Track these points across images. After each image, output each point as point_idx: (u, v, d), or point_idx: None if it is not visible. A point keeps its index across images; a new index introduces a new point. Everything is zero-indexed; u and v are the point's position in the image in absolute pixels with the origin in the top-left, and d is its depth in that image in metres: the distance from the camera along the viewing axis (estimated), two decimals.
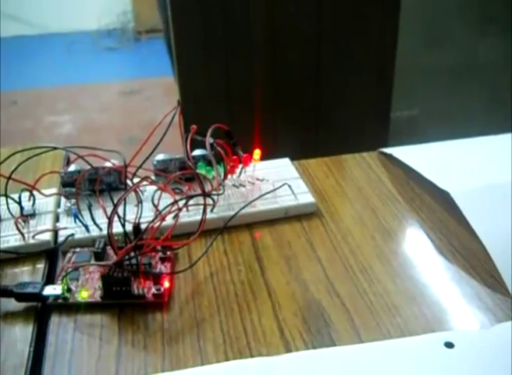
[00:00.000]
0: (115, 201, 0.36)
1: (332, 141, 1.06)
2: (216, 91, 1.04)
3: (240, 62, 1.02)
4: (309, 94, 1.06)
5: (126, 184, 0.44)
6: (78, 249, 0.41)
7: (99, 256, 0.39)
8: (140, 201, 0.41)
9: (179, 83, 1.02)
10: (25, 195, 0.44)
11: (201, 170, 0.45)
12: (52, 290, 0.36)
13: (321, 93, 1.07)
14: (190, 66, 1.01)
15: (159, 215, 0.38)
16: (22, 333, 0.35)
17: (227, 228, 0.42)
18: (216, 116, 1.05)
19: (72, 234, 0.41)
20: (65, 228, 0.42)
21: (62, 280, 0.37)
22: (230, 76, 1.03)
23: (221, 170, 0.45)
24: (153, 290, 0.37)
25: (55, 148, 0.44)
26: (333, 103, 1.08)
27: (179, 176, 0.44)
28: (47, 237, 0.41)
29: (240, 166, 0.46)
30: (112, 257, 0.38)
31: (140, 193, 0.42)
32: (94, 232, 0.42)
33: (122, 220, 0.37)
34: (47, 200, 0.45)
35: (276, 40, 1.02)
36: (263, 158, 0.47)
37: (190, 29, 0.99)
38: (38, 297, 0.36)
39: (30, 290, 0.36)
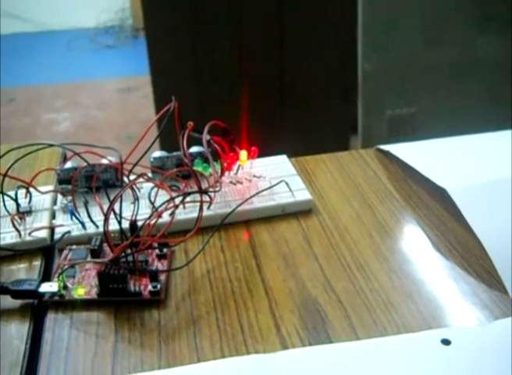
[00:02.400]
0: (112, 199, 0.36)
1: (296, 113, 1.10)
2: (185, 66, 1.08)
3: (206, 40, 1.07)
4: (273, 67, 1.11)
5: (122, 181, 0.44)
6: (74, 246, 0.40)
7: (95, 253, 0.39)
8: (136, 199, 0.41)
9: (150, 62, 1.07)
10: (21, 192, 0.44)
11: (198, 167, 0.45)
12: (48, 287, 0.36)
13: (285, 66, 1.11)
14: (159, 46, 1.08)
15: (155, 212, 0.38)
16: (18, 331, 0.35)
17: (224, 225, 0.42)
18: (186, 90, 1.08)
19: (69, 231, 0.41)
20: (61, 225, 0.42)
21: (59, 277, 0.37)
22: (197, 55, 1.08)
23: (218, 167, 0.45)
24: (149, 287, 0.36)
25: (51, 145, 0.44)
26: (297, 76, 1.12)
27: (176, 173, 0.44)
28: (43, 234, 0.41)
29: (237, 163, 0.46)
30: (109, 254, 0.37)
31: (136, 190, 0.42)
32: (91, 229, 0.41)
33: (118, 217, 0.37)
34: (43, 197, 0.45)
35: (241, 17, 1.06)
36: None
37: (157, 8, 1.04)
38: (34, 294, 0.36)
39: (26, 287, 0.36)
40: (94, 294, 0.36)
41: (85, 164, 0.44)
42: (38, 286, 0.36)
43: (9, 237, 0.41)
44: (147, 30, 1.09)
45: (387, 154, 0.51)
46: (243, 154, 0.46)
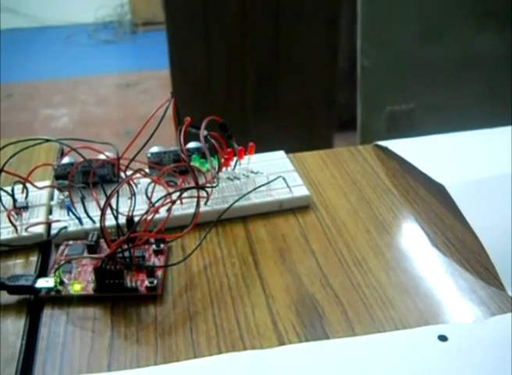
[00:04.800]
0: (108, 194, 0.36)
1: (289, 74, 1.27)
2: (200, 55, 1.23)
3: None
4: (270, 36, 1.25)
5: (119, 177, 0.44)
6: (71, 242, 0.40)
7: (92, 249, 0.39)
8: (133, 194, 0.40)
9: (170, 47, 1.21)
10: (18, 188, 0.44)
11: (195, 163, 0.45)
12: (45, 282, 0.36)
13: (280, 33, 1.26)
14: (180, 37, 1.22)
15: (152, 207, 0.38)
16: (14, 326, 0.34)
17: (221, 221, 0.42)
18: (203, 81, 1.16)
19: (65, 227, 0.41)
20: (58, 221, 0.42)
21: (55, 272, 0.37)
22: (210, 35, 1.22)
23: (215, 163, 0.44)
24: (146, 283, 0.36)
25: (47, 140, 0.44)
26: (290, 45, 1.27)
27: (173, 168, 0.44)
28: (40, 229, 0.41)
29: (235, 158, 0.46)
30: (105, 250, 0.37)
31: (133, 185, 0.42)
32: (87, 225, 0.41)
33: (115, 213, 0.36)
34: (40, 192, 0.45)
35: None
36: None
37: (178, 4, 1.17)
38: (31, 289, 0.36)
39: (22, 282, 0.36)
40: (90, 289, 0.36)
41: (82, 159, 0.43)
42: (35, 281, 0.36)
43: (6, 233, 0.41)
44: (167, 23, 1.20)
45: (385, 150, 0.51)
46: (251, 146, 0.46)
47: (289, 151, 0.50)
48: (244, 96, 1.26)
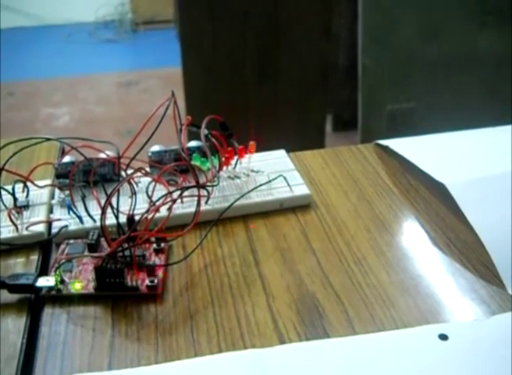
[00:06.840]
0: (109, 193, 0.36)
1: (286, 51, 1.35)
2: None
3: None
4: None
5: (119, 176, 0.44)
6: (72, 241, 0.40)
7: (93, 248, 0.39)
8: (134, 193, 0.40)
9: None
10: (19, 187, 0.44)
11: (196, 162, 0.45)
12: (45, 281, 0.36)
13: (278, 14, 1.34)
14: (192, 32, 1.31)
15: (153, 206, 0.38)
16: (14, 325, 0.34)
17: (222, 220, 0.42)
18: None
19: (66, 226, 0.41)
20: (58, 220, 0.42)
21: (56, 271, 0.37)
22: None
23: (216, 162, 0.44)
24: (147, 282, 0.36)
25: (48, 139, 0.44)
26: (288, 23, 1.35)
27: (174, 167, 0.44)
28: (40, 228, 0.41)
29: (235, 157, 0.46)
30: (106, 249, 0.37)
31: (134, 184, 0.42)
32: (88, 223, 0.41)
33: (115, 212, 0.36)
34: (41, 191, 0.45)
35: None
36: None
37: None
38: (31, 288, 0.36)
39: (23, 281, 0.36)
40: (91, 288, 0.36)
41: (83, 158, 0.43)
42: (35, 280, 0.36)
43: (6, 232, 0.41)
44: (180, 23, 1.30)
45: (386, 149, 0.51)
46: (252, 145, 0.46)
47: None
48: (245, 65, 1.34)
